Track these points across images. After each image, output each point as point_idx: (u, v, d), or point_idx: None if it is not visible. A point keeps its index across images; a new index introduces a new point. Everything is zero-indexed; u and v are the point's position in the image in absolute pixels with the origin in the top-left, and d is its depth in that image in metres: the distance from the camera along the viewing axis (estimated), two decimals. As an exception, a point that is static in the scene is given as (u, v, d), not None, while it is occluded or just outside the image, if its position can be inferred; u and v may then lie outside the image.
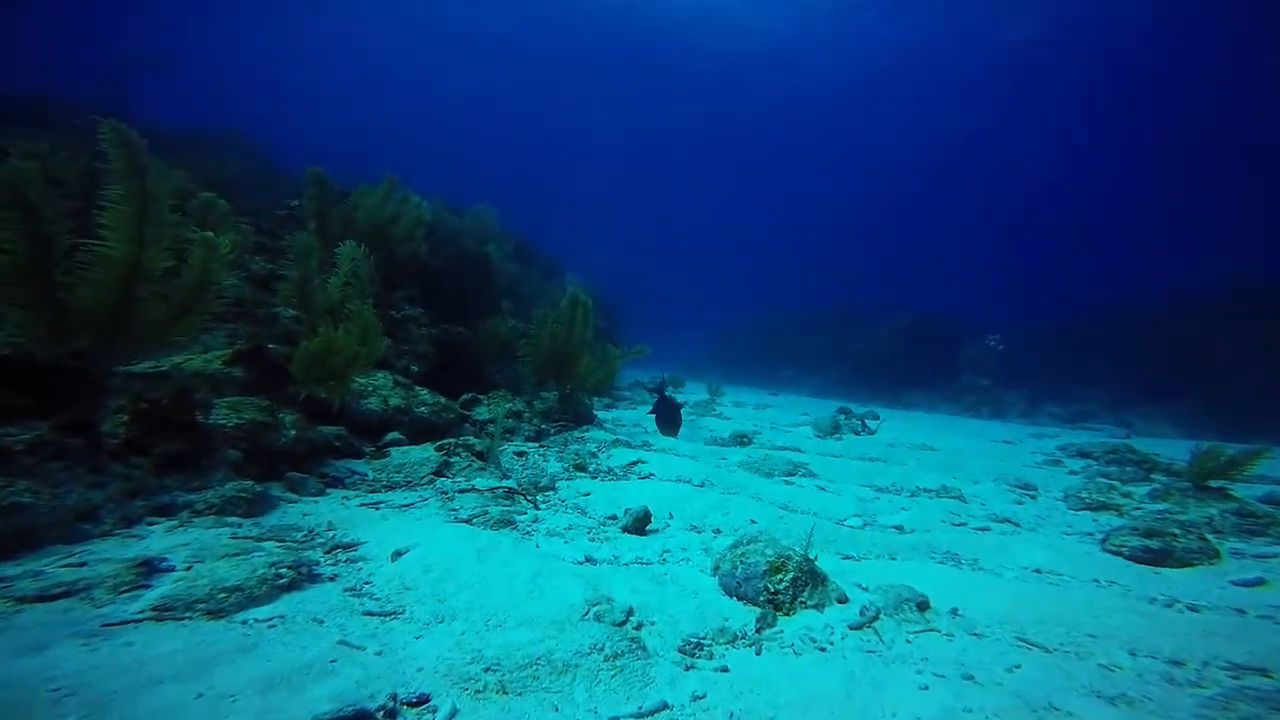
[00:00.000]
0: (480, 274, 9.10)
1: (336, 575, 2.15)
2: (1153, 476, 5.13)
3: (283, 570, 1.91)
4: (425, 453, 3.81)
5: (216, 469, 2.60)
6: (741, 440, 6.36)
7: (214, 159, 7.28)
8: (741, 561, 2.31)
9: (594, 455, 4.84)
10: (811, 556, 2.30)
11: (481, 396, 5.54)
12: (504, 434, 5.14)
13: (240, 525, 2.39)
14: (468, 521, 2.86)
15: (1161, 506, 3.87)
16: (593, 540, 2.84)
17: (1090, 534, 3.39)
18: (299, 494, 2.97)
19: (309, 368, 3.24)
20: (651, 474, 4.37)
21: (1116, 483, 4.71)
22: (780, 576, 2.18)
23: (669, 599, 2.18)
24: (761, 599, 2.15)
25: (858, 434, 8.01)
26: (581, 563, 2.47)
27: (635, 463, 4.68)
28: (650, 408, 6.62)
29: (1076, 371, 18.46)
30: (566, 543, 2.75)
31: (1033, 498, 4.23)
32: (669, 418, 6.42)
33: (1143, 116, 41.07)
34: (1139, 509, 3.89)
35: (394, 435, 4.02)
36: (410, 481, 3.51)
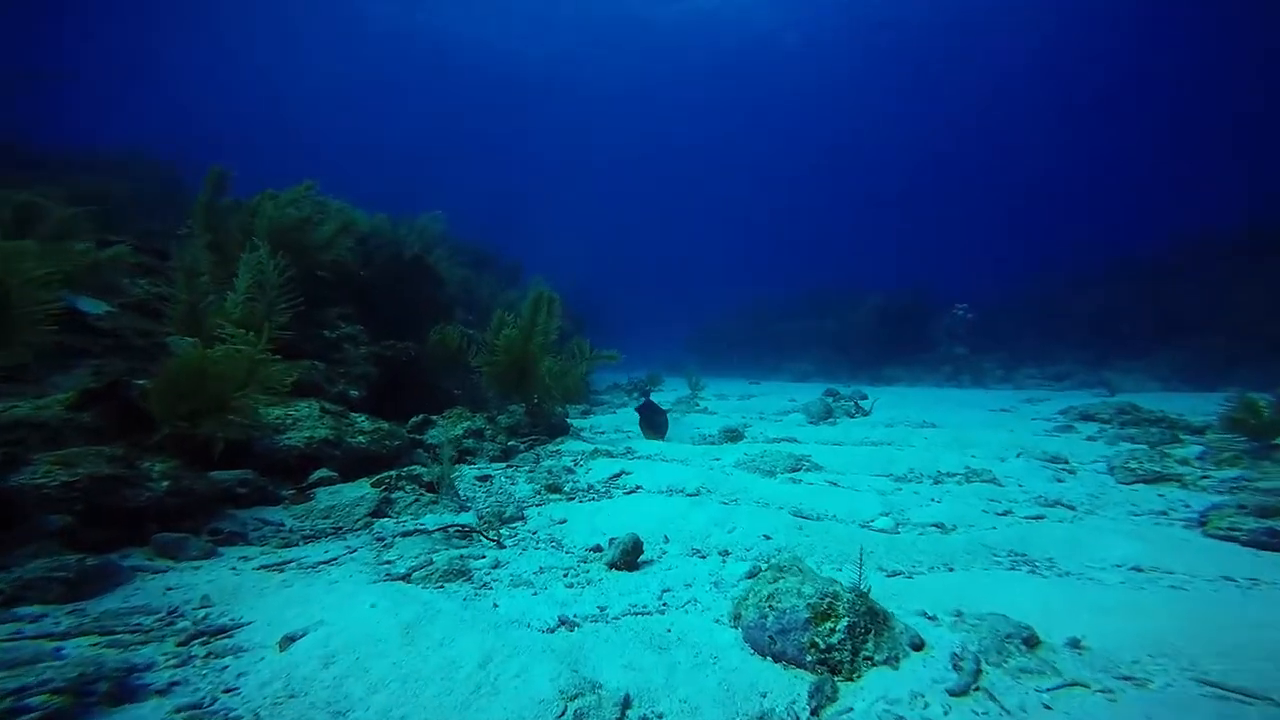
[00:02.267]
0: (425, 281, 8.32)
1: (177, 683, 1.45)
2: (1181, 437, 4.73)
3: (56, 690, 1.21)
4: (360, 490, 3.10)
5: (27, 543, 1.87)
6: (733, 436, 5.78)
7: (102, 179, 6.38)
8: (771, 607, 1.70)
9: (570, 471, 4.18)
10: (865, 589, 1.70)
11: (435, 417, 4.83)
12: (463, 456, 4.45)
13: (44, 618, 1.67)
14: (404, 578, 2.18)
15: (1233, 474, 3.39)
16: (571, 586, 2.19)
17: (1164, 513, 2.89)
18: (175, 559, 2.24)
19: (174, 400, 2.51)
20: (638, 487, 3.73)
21: (1145, 446, 4.28)
22: (830, 625, 1.57)
23: (680, 673, 1.55)
24: (809, 659, 1.54)
25: (852, 416, 7.53)
26: (554, 628, 1.82)
27: (618, 475, 4.04)
28: (631, 409, 6.01)
29: (1049, 333, 18.65)
30: (536, 594, 2.10)
31: (1071, 472, 3.74)
32: (652, 420, 5.82)
33: (1095, 68, 41.98)
34: (1205, 477, 3.43)
35: (322, 473, 3.29)
36: (340, 528, 2.80)
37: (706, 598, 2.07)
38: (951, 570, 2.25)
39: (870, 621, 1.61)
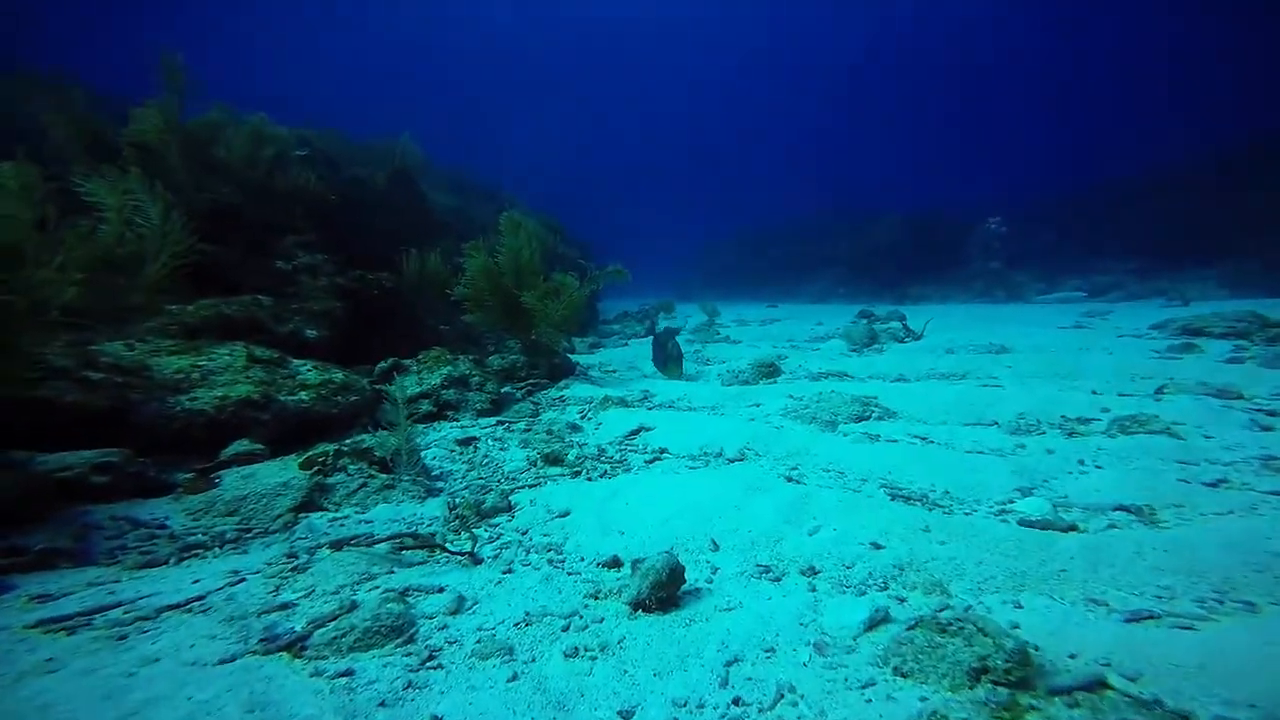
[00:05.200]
0: (407, 204, 7.17)
1: None
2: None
3: None
4: (284, 473, 2.23)
5: None
6: (768, 371, 4.83)
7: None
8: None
9: (575, 428, 3.30)
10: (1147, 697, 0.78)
11: (408, 362, 3.92)
12: (443, 410, 3.57)
13: None
14: (293, 646, 1.32)
15: None
16: (574, 655, 1.33)
17: None
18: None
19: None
20: (663, 451, 2.84)
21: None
22: None
23: None
24: None
25: (901, 341, 6.52)
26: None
27: (636, 432, 3.15)
28: (645, 341, 5.08)
29: (1088, 244, 17.31)
30: (514, 681, 1.24)
31: (1273, 415, 2.73)
32: (669, 352, 4.87)
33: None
34: None
35: (240, 447, 2.42)
36: (249, 531, 1.95)
37: (811, 685, 1.19)
38: (1220, 611, 1.34)
39: None
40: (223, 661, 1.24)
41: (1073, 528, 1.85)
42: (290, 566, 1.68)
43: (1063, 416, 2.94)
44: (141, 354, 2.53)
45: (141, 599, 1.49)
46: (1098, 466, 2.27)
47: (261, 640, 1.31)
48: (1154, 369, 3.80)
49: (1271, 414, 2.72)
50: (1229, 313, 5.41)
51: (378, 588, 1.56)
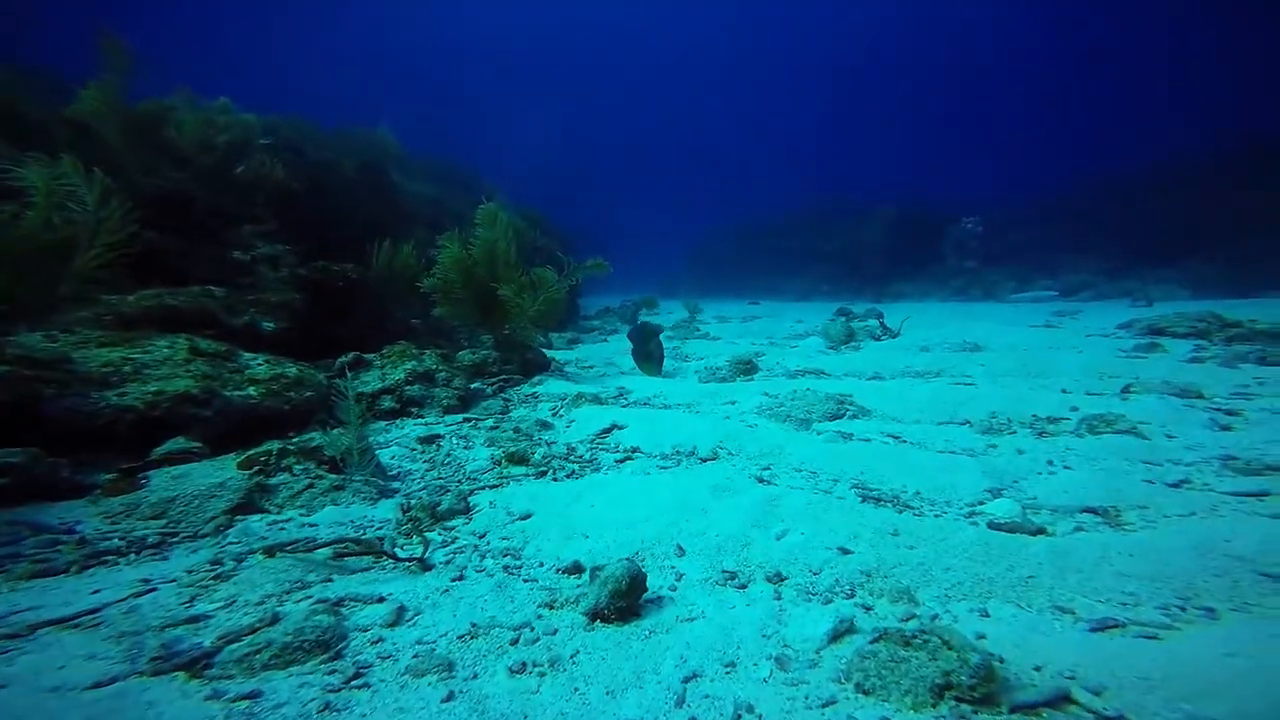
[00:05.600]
0: (377, 194, 6.97)
1: None
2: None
3: None
4: (220, 473, 2.09)
5: None
6: (745, 368, 4.78)
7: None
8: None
9: (545, 425, 3.20)
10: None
11: (371, 356, 3.76)
12: (407, 407, 3.44)
13: None
14: (193, 666, 1.20)
15: None
16: (520, 671, 1.24)
17: None
18: None
19: None
20: (634, 450, 2.76)
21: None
22: None
23: None
24: None
25: (878, 339, 6.54)
26: None
27: (608, 430, 3.06)
28: (624, 337, 4.98)
29: (1061, 245, 17.77)
30: (450, 701, 1.14)
31: (1231, 414, 2.75)
32: (647, 349, 4.79)
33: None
34: None
35: (175, 445, 2.27)
36: (174, 536, 1.81)
37: (770, 704, 1.12)
38: (1185, 618, 1.30)
39: None
40: (96, 685, 1.11)
41: (1041, 531, 1.81)
42: (213, 574, 1.55)
43: (1033, 415, 2.93)
44: (65, 346, 2.36)
45: (16, 614, 1.35)
46: (1066, 467, 2.25)
47: (154, 659, 1.19)
48: (1121, 368, 3.83)
49: (1230, 413, 2.74)
50: (1190, 313, 5.53)
51: (310, 597, 1.44)
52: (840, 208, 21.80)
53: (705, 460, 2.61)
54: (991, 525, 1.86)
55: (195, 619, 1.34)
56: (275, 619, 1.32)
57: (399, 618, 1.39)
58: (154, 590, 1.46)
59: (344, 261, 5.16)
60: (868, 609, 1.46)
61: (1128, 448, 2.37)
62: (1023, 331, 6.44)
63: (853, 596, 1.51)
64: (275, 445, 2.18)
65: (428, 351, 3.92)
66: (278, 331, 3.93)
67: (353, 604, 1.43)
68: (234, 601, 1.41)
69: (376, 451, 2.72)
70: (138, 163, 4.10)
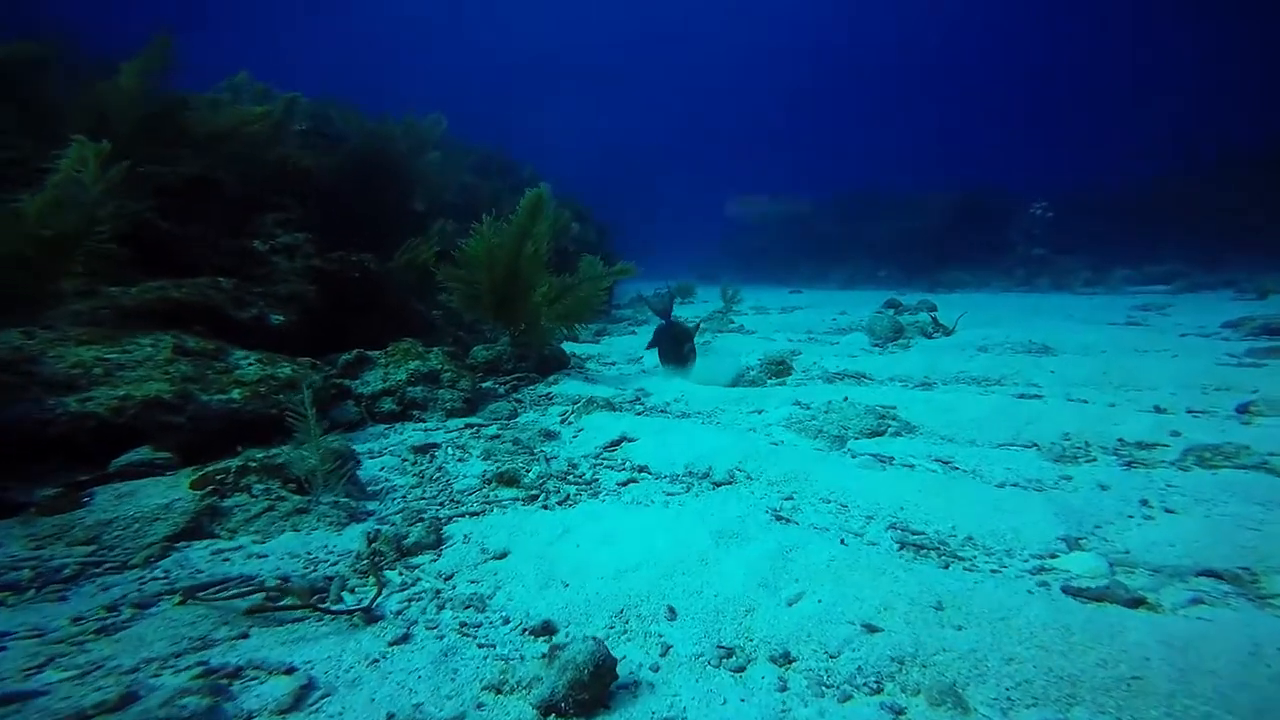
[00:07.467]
0: (393, 183, 6.85)
1: None
2: None
3: None
4: (170, 491, 1.92)
5: None
6: (778, 369, 4.39)
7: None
8: None
9: (550, 435, 2.94)
10: None
11: (375, 354, 3.60)
12: (408, 410, 3.25)
13: None
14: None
15: None
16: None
17: None
18: None
19: None
20: (642, 469, 2.46)
21: None
22: None
23: None
24: None
25: (929, 336, 5.97)
26: None
27: (617, 443, 2.77)
28: (652, 329, 4.65)
29: (1143, 234, 16.28)
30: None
31: None
32: (673, 349, 4.39)
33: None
34: None
35: (138, 455, 2.12)
36: (98, 566, 1.63)
37: None
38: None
39: None
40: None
41: (1140, 602, 1.41)
42: (99, 625, 1.35)
43: (1119, 439, 2.44)
44: (41, 344, 2.25)
45: None
46: (1168, 510, 1.80)
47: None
48: (1232, 379, 3.23)
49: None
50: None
51: (204, 663, 1.21)
52: (887, 193, 20.73)
53: (719, 484, 2.29)
54: (1068, 590, 1.47)
55: (20, 696, 1.10)
56: (128, 699, 1.08)
57: (298, 701, 1.14)
58: (2, 650, 1.25)
59: (375, 252, 5.05)
60: (898, 713, 1.12)
61: (1255, 488, 1.89)
62: (1100, 330, 5.73)
63: (879, 692, 1.18)
64: (235, 462, 2.00)
65: (435, 350, 3.72)
66: (287, 325, 3.82)
67: (252, 675, 1.19)
68: (97, 668, 1.18)
69: (366, 461, 2.55)
70: (158, 149, 4.07)
